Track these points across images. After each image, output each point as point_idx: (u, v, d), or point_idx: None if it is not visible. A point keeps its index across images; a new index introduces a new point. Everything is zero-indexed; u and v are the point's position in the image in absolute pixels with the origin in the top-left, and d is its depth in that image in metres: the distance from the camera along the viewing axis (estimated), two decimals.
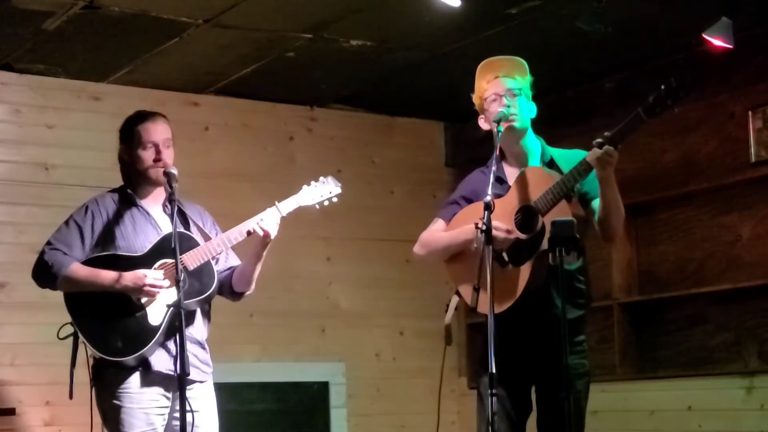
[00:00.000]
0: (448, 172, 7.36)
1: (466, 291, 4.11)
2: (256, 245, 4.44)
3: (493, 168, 3.93)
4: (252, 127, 6.77)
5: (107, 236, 4.37)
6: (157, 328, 4.23)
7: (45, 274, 4.31)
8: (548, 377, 4.06)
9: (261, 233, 4.39)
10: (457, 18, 5.40)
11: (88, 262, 4.30)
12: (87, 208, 4.43)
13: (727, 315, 5.95)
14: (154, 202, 4.45)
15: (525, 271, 3.97)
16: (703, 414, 5.86)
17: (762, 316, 5.79)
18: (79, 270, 4.27)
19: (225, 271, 4.52)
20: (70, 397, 4.27)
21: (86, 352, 4.32)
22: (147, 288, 4.22)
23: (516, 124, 4.08)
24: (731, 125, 5.93)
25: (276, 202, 4.46)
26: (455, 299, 4.23)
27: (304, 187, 4.56)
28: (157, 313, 4.25)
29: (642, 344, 6.35)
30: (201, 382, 4.37)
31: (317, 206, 4.58)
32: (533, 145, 4.19)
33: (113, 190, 4.49)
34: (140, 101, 6.38)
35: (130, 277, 4.23)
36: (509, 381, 3.99)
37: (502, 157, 4.20)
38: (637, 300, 6.35)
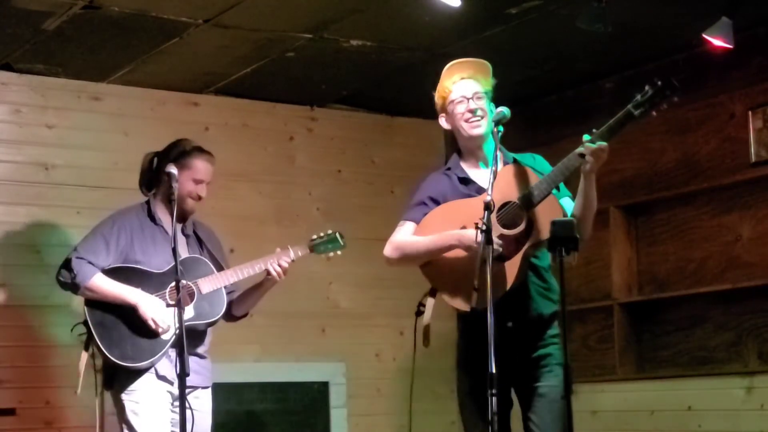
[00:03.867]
0: None
1: (447, 292, 4.14)
2: (266, 281, 4.80)
3: (493, 168, 3.94)
4: (252, 127, 6.77)
5: (129, 250, 4.63)
6: (167, 342, 4.52)
7: (69, 281, 4.58)
8: (526, 370, 4.10)
9: (275, 274, 4.74)
10: (457, 18, 5.40)
11: (109, 272, 4.57)
12: (114, 221, 4.70)
13: (727, 315, 5.95)
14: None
15: (513, 267, 3.99)
16: (703, 414, 5.86)
17: (762, 316, 5.79)
18: (101, 282, 4.54)
19: (227, 293, 4.80)
20: (77, 391, 4.62)
21: (93, 359, 4.61)
22: (152, 323, 4.50)
23: (481, 130, 4.16)
24: (731, 125, 5.93)
25: (289, 246, 4.81)
26: (431, 301, 4.21)
27: (314, 236, 4.90)
28: (169, 329, 4.54)
29: (642, 344, 6.35)
30: (204, 387, 4.71)
31: (323, 256, 4.94)
32: (491, 147, 4.17)
33: (134, 207, 4.77)
34: (140, 101, 6.40)
35: (144, 307, 4.50)
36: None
37: (462, 158, 4.28)
38: (637, 300, 6.35)
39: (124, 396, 4.55)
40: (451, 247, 4.07)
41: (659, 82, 3.88)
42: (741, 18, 5.31)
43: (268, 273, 4.72)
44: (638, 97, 3.91)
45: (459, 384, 4.27)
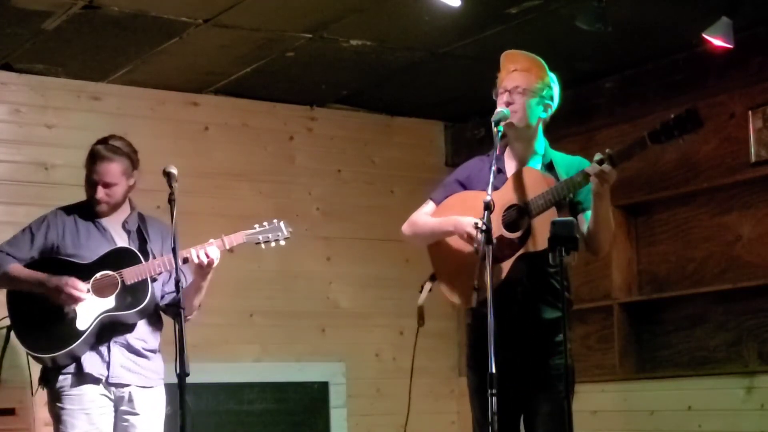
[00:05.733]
0: (448, 172, 7.32)
1: (443, 280, 4.18)
2: (195, 273, 4.62)
3: (494, 168, 3.94)
4: (252, 127, 6.77)
5: (59, 246, 4.60)
6: (82, 332, 4.45)
7: None
8: (530, 379, 4.06)
9: (196, 261, 4.53)
10: (457, 18, 5.40)
11: (32, 265, 4.55)
12: (45, 218, 4.69)
13: (727, 315, 5.95)
14: (113, 219, 4.67)
15: (505, 267, 3.99)
16: (703, 414, 5.86)
17: (762, 316, 5.79)
18: (15, 270, 4.53)
19: (172, 292, 4.63)
20: None
21: (28, 356, 4.60)
22: (64, 295, 4.44)
23: (513, 122, 4.08)
24: (731, 125, 5.93)
25: (222, 236, 4.60)
26: (429, 284, 4.25)
27: (256, 225, 4.70)
28: (85, 319, 4.47)
29: (642, 344, 6.34)
30: (143, 387, 4.58)
31: (263, 246, 4.72)
32: (538, 145, 4.20)
33: (75, 205, 4.72)
34: (140, 101, 6.40)
35: (54, 281, 4.47)
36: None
37: (504, 150, 4.22)
38: (637, 300, 6.34)
39: (53, 399, 4.51)
40: (449, 233, 4.12)
41: (683, 114, 3.79)
42: (741, 18, 5.31)
43: (186, 261, 4.53)
44: (657, 126, 3.82)
45: (468, 382, 4.24)
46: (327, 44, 5.85)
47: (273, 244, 4.71)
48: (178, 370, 3.95)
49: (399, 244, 7.01)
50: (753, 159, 5.81)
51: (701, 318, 6.08)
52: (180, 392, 3.95)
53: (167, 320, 4.68)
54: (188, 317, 4.62)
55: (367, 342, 6.92)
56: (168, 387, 4.61)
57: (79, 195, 6.07)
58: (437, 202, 4.28)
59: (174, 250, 4.11)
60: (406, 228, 4.35)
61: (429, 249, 4.29)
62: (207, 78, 6.41)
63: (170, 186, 4.25)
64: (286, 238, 4.73)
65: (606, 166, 3.86)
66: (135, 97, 6.40)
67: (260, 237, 4.68)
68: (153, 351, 4.65)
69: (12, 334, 4.58)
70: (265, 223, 4.71)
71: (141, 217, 4.75)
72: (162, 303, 4.68)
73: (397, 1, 5.33)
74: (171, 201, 4.20)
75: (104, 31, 5.55)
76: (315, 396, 6.72)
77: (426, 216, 4.28)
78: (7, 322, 4.59)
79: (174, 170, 4.30)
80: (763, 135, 5.77)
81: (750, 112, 5.82)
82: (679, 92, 6.02)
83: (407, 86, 6.68)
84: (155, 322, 4.67)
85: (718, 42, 5.32)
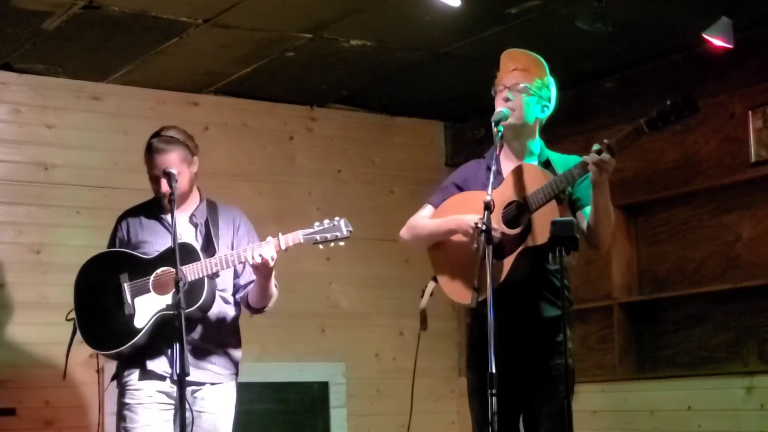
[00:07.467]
0: (448, 172, 7.32)
1: (444, 280, 4.17)
2: (254, 272, 4.49)
3: (493, 167, 3.94)
4: (252, 127, 6.77)
5: (128, 241, 4.54)
6: (139, 330, 4.35)
7: None
8: (530, 379, 4.05)
9: (251, 263, 4.41)
10: (457, 18, 5.41)
11: (96, 258, 4.52)
12: (115, 224, 4.63)
13: (727, 315, 5.95)
14: (180, 212, 4.46)
15: (506, 264, 3.98)
16: (703, 414, 5.86)
17: (762, 316, 5.79)
18: None
19: (248, 284, 4.61)
20: (63, 377, 4.67)
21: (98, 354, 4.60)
22: None
23: (511, 120, 4.08)
24: (731, 125, 5.93)
25: (279, 234, 4.45)
26: (431, 285, 4.24)
27: (316, 224, 4.49)
28: (143, 317, 4.37)
29: (642, 344, 6.35)
30: (211, 384, 4.47)
31: (321, 246, 4.49)
32: (534, 144, 4.20)
33: (141, 205, 4.62)
34: (140, 101, 6.40)
35: None
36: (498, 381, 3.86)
37: (501, 151, 4.19)
38: (637, 300, 6.35)
39: (119, 394, 4.48)
40: (451, 231, 4.10)
41: (679, 100, 3.79)
42: (741, 18, 5.31)
43: (242, 262, 4.42)
44: (654, 113, 3.82)
45: (468, 382, 4.23)
46: (327, 44, 5.85)
47: (332, 244, 4.48)
48: (178, 370, 3.95)
49: (399, 244, 7.03)
50: (753, 159, 5.81)
51: (701, 318, 6.08)
52: (180, 392, 3.95)
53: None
54: (265, 309, 4.68)
55: (367, 342, 6.93)
56: None
57: (79, 195, 6.13)
58: (435, 206, 4.28)
59: (173, 250, 4.11)
60: (404, 233, 4.32)
61: (429, 250, 4.28)
62: (207, 78, 6.41)
63: (170, 186, 4.25)
64: (345, 238, 4.48)
65: (605, 155, 3.85)
66: (135, 97, 6.40)
67: (318, 237, 4.45)
68: (223, 345, 4.54)
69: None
70: (325, 222, 4.50)
71: (212, 207, 4.58)
72: (237, 296, 4.58)
73: (397, 1, 5.33)
74: (171, 201, 4.21)
75: (104, 31, 5.55)
76: (315, 396, 6.72)
77: (425, 219, 4.27)
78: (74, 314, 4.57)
79: (174, 170, 4.30)
80: (763, 135, 5.78)
81: (750, 112, 5.82)
82: (679, 92, 6.02)
83: (407, 86, 6.68)
84: (225, 316, 4.55)
85: (718, 42, 5.32)
